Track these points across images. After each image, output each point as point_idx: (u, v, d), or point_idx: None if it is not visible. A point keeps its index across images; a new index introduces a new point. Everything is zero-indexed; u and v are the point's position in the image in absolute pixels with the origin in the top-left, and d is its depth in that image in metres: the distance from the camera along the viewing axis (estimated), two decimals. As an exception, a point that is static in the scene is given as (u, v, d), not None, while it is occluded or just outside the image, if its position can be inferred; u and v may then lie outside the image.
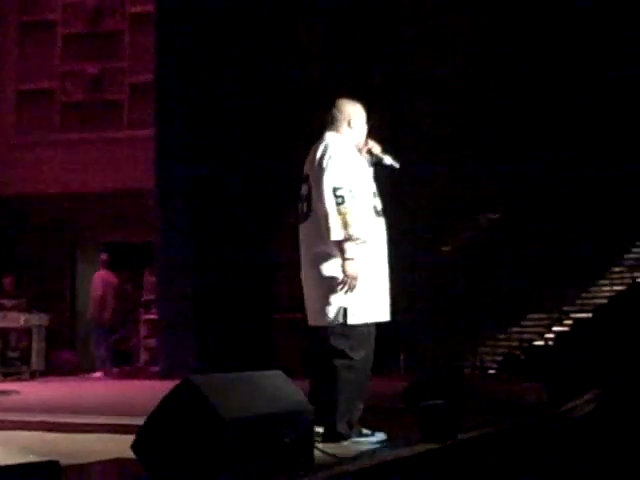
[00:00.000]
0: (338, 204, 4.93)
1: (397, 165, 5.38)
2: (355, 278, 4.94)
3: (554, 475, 6.43)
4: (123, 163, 14.53)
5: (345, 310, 5.02)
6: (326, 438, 4.89)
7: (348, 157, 5.12)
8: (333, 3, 14.23)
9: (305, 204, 5.17)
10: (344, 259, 4.93)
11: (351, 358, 5.04)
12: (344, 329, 5.04)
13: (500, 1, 17.02)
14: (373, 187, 5.30)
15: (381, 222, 5.25)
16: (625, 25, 17.31)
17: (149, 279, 13.46)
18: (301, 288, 5.29)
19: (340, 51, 14.07)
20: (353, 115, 5.29)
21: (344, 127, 5.26)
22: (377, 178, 5.39)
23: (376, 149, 5.37)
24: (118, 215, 14.53)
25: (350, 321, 5.03)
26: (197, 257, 12.23)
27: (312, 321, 5.22)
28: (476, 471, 5.27)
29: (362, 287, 5.01)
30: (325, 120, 5.34)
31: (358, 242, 4.97)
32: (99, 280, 13.82)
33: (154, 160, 12.56)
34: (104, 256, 13.93)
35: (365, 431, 5.17)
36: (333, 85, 13.72)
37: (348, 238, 4.92)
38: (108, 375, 12.95)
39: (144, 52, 14.14)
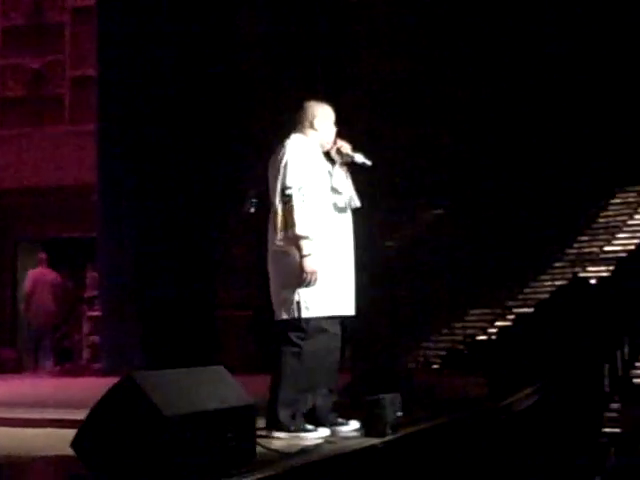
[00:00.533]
0: (285, 203, 5.06)
1: (369, 163, 5.44)
2: (314, 273, 5.04)
3: (495, 468, 6.50)
4: (65, 158, 14.38)
5: (299, 304, 5.10)
6: (268, 425, 4.99)
7: (305, 157, 5.21)
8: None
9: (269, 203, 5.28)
10: (301, 255, 5.04)
11: (299, 346, 5.12)
12: (300, 323, 5.13)
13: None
14: (339, 184, 5.33)
15: (343, 218, 5.33)
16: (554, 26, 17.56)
17: (92, 275, 13.34)
18: (243, 285, 5.38)
19: (282, 47, 14.04)
20: (318, 115, 5.39)
21: (307, 128, 5.37)
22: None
23: (345, 148, 5.44)
24: (60, 211, 14.38)
25: (304, 315, 5.11)
26: (139, 253, 12.14)
27: (275, 316, 5.29)
28: (418, 465, 5.30)
29: (318, 281, 5.09)
30: (292, 122, 5.45)
31: (309, 239, 5.05)
32: (30, 278, 13.74)
33: (96, 155, 12.44)
34: (42, 255, 13.82)
35: (339, 419, 5.25)
36: (276, 81, 13.72)
37: (292, 236, 5.02)
38: (45, 373, 12.81)
39: (86, 46, 13.99)
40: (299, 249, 5.04)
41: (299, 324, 5.14)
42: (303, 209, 5.05)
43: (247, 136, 13.09)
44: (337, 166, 5.43)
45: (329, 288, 5.16)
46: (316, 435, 5.01)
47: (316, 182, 5.20)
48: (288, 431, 4.99)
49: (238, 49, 13.82)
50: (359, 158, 5.43)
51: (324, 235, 5.16)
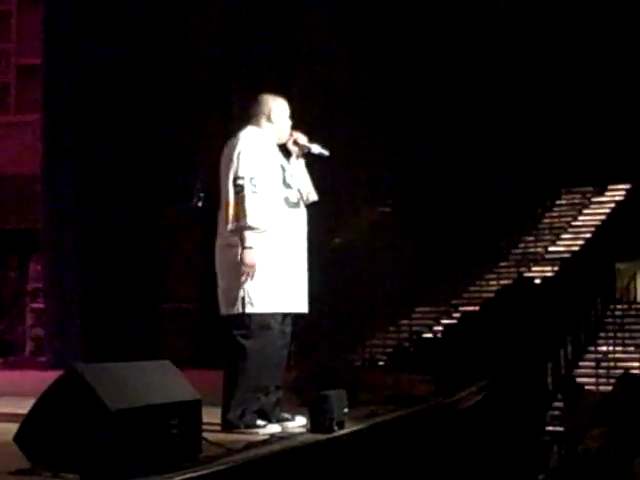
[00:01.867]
0: (236, 193, 5.00)
1: (326, 153, 5.42)
2: (252, 267, 4.97)
3: (440, 465, 6.52)
4: (9, 147, 14.15)
5: (243, 299, 5.04)
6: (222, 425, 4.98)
7: (258, 149, 5.15)
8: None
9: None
10: (243, 247, 4.97)
11: (243, 347, 5.05)
12: (244, 319, 5.06)
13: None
14: (292, 179, 5.30)
15: (296, 213, 5.27)
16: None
17: (35, 267, 13.17)
18: (188, 279, 5.32)
19: (232, 44, 13.98)
20: (274, 109, 5.34)
21: (263, 121, 5.31)
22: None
23: (302, 139, 5.41)
24: (4, 200, 14.16)
25: (247, 310, 5.04)
26: (83, 245, 12.00)
27: (220, 311, 5.23)
28: (364, 462, 5.29)
29: (264, 276, 5.03)
30: (246, 114, 5.39)
31: (258, 231, 5.00)
32: None
33: (41, 145, 12.27)
34: None
35: (285, 415, 5.22)
36: (224, 78, 13.66)
37: (243, 227, 4.96)
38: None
39: (32, 34, 13.79)
40: (241, 241, 4.97)
41: (243, 320, 5.06)
42: (254, 200, 4.99)
43: (194, 130, 13.02)
44: (294, 158, 5.41)
45: (276, 284, 5.10)
46: (266, 431, 4.98)
47: (268, 175, 5.14)
48: (237, 428, 4.96)
49: (187, 46, 13.73)
50: (316, 149, 5.41)
51: (275, 229, 5.11)
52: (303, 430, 5.09)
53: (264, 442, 4.57)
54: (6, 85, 14.89)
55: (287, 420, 5.21)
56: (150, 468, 3.65)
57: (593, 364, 14.02)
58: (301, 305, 5.27)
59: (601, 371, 13.74)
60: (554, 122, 18.39)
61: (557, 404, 11.66)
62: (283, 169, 5.29)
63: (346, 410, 5.17)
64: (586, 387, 11.21)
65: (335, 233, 15.30)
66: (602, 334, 14.86)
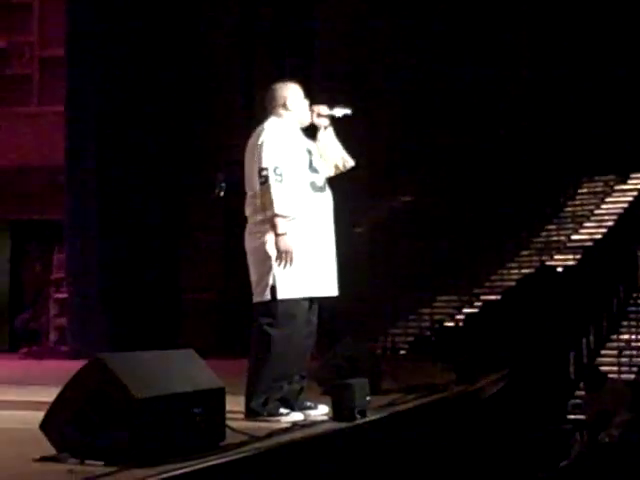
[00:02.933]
0: (262, 184, 5.03)
1: (349, 111, 5.42)
2: (289, 252, 5.00)
3: (462, 453, 6.54)
4: (32, 139, 14.23)
5: (272, 286, 5.08)
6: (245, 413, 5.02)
7: (280, 138, 5.16)
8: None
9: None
10: (276, 235, 5.01)
11: (269, 335, 5.08)
12: (270, 305, 5.11)
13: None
14: (320, 162, 5.34)
15: (322, 197, 5.28)
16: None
17: (59, 257, 13.24)
18: (208, 269, 5.37)
19: (250, 32, 14.00)
20: (288, 96, 5.36)
21: (281, 110, 5.33)
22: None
23: (323, 110, 5.41)
24: (28, 192, 14.24)
25: (274, 297, 5.09)
26: (106, 236, 12.08)
27: (253, 299, 5.27)
28: (386, 450, 5.32)
29: (293, 263, 5.05)
30: (265, 107, 5.42)
31: (288, 219, 5.02)
32: None
33: (64, 137, 12.34)
34: None
35: (308, 403, 5.25)
36: (243, 67, 13.69)
37: (273, 216, 4.99)
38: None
39: (54, 26, 13.85)
40: (274, 228, 5.00)
41: (269, 309, 5.10)
42: (280, 188, 5.01)
43: (216, 122, 13.06)
44: (322, 131, 5.41)
45: (302, 270, 5.10)
46: (289, 419, 5.01)
47: (294, 162, 5.15)
48: (260, 416, 5.00)
49: (207, 38, 13.77)
50: (339, 112, 5.41)
51: (302, 215, 5.13)
52: (325, 418, 5.12)
53: (286, 430, 4.60)
54: (29, 77, 14.95)
55: (310, 408, 5.23)
56: (174, 455, 3.69)
57: (615, 352, 13.97)
58: (329, 289, 5.27)
59: (623, 359, 13.70)
60: (576, 110, 18.30)
61: (579, 393, 11.64)
62: (310, 153, 5.30)
63: (368, 399, 5.19)
64: (608, 375, 11.19)
65: (356, 222, 15.32)
66: (624, 323, 14.79)
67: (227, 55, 13.79)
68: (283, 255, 5.00)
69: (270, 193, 4.99)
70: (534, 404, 9.31)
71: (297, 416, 5.07)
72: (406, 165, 17.09)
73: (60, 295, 12.98)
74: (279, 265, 5.02)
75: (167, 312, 12.25)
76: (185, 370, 4.09)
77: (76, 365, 3.90)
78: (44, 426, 3.80)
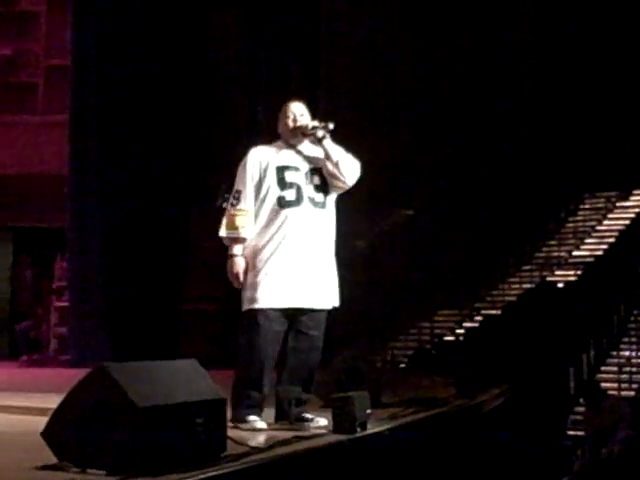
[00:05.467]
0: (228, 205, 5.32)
1: (331, 125, 5.44)
2: (234, 274, 5.25)
3: (462, 467, 6.54)
4: (36, 147, 14.26)
5: (245, 298, 5.30)
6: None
7: (254, 162, 5.34)
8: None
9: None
10: (228, 256, 5.32)
11: (238, 346, 5.32)
12: (241, 316, 5.33)
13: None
14: (296, 175, 5.36)
15: (296, 211, 5.29)
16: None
17: (61, 266, 13.25)
18: (210, 278, 5.51)
19: (257, 45, 14.04)
20: (279, 118, 5.50)
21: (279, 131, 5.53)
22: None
23: (305, 129, 5.44)
24: (30, 199, 14.27)
25: (243, 307, 5.32)
26: (108, 245, 12.09)
27: None
28: (386, 463, 5.32)
29: (252, 276, 5.24)
30: None
31: (239, 241, 5.26)
32: None
33: (68, 146, 12.37)
34: None
35: (307, 415, 5.30)
36: (250, 79, 13.72)
37: (220, 237, 5.32)
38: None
39: (60, 35, 13.89)
40: (228, 249, 5.31)
41: (241, 319, 5.32)
42: (231, 212, 5.28)
43: (220, 131, 13.09)
44: (315, 146, 5.47)
45: (267, 281, 5.22)
46: (250, 426, 5.09)
47: (262, 182, 5.30)
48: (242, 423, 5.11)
49: (212, 44, 13.81)
50: (320, 132, 5.41)
51: (266, 230, 5.26)
52: (325, 431, 5.13)
53: (288, 442, 4.61)
54: (34, 85, 14.99)
55: (308, 420, 5.26)
56: (175, 465, 3.70)
57: (615, 369, 13.98)
58: (303, 300, 5.28)
59: (623, 376, 13.69)
60: (578, 126, 18.34)
61: (579, 408, 11.64)
62: (282, 169, 5.35)
63: (369, 411, 5.20)
64: (608, 392, 11.19)
65: (357, 236, 15.33)
66: (625, 339, 14.80)
67: (232, 67, 13.83)
68: (230, 276, 5.26)
69: (224, 215, 5.30)
70: (534, 419, 9.31)
71: (259, 424, 5.14)
72: (407, 179, 17.11)
73: (61, 304, 12.99)
74: (235, 285, 5.29)
75: (169, 322, 12.26)
76: (187, 380, 4.10)
77: (76, 373, 3.92)
78: (46, 434, 3.81)
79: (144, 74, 12.22)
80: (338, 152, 5.43)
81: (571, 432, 11.11)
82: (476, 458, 6.95)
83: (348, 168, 5.45)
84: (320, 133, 5.39)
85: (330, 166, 5.40)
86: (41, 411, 4.44)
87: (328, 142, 5.41)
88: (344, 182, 5.46)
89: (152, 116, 12.22)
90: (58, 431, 3.77)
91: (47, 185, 13.66)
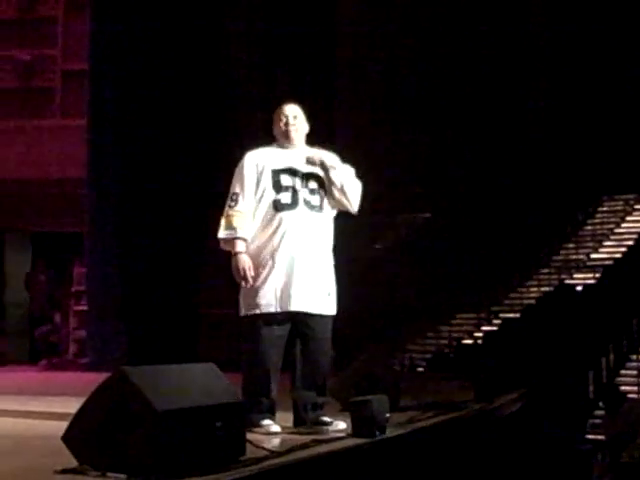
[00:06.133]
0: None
1: (335, 163, 5.42)
2: (239, 271, 5.18)
3: (480, 472, 6.52)
4: (54, 151, 14.33)
5: (240, 304, 5.34)
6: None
7: (250, 165, 5.35)
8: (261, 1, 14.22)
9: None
10: (232, 255, 5.27)
11: (242, 352, 5.34)
12: (240, 321, 5.34)
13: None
14: (292, 179, 5.34)
15: (292, 214, 5.28)
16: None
17: (79, 270, 13.31)
18: (227, 283, 5.47)
19: (271, 47, 14.05)
20: (273, 121, 5.51)
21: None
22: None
23: (310, 159, 5.41)
24: (49, 204, 14.33)
25: (240, 313, 5.32)
26: (126, 249, 12.15)
27: None
28: (405, 467, 5.31)
29: (244, 281, 5.22)
30: None
31: (239, 240, 5.23)
32: None
33: (86, 149, 12.43)
34: None
35: (325, 419, 5.27)
36: (264, 81, 13.74)
37: (219, 239, 5.31)
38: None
39: (78, 39, 13.96)
40: (232, 249, 5.26)
41: (241, 324, 5.32)
42: (228, 213, 5.28)
43: (235, 135, 13.10)
44: (304, 146, 5.49)
45: (265, 286, 5.21)
46: (265, 430, 5.06)
47: (258, 185, 5.30)
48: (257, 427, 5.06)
49: (227, 47, 13.84)
50: (327, 172, 5.39)
51: (262, 233, 5.26)
52: (344, 435, 5.12)
53: (306, 446, 4.61)
54: (52, 90, 15.06)
55: (326, 424, 5.24)
56: (195, 469, 3.70)
57: (635, 372, 13.87)
58: (302, 304, 5.24)
59: (643, 379, 13.60)
60: (596, 128, 18.27)
61: (598, 412, 11.57)
62: (277, 172, 5.34)
63: (387, 415, 5.19)
64: (628, 395, 11.11)
65: (375, 239, 15.32)
66: (645, 342, 14.71)
67: (247, 72, 13.86)
68: (235, 274, 5.20)
69: (222, 217, 5.30)
70: (553, 423, 9.26)
71: (274, 428, 5.12)
72: (425, 183, 17.10)
73: (80, 308, 13.04)
74: (242, 284, 5.22)
75: (187, 325, 12.29)
76: (206, 384, 4.10)
77: (95, 377, 3.93)
78: (66, 438, 3.81)
79: (161, 78, 12.28)
80: (342, 178, 5.40)
81: (591, 436, 11.04)
82: (495, 462, 6.92)
83: (353, 194, 5.44)
84: (327, 166, 5.40)
85: (336, 193, 5.39)
86: (61, 415, 4.45)
87: (333, 172, 5.40)
88: (351, 210, 5.48)
89: (169, 121, 12.27)
90: (78, 435, 3.78)
91: (65, 189, 13.72)
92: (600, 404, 11.38)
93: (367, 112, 16.11)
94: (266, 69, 13.97)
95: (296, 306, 5.22)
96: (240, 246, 5.21)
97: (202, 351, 11.76)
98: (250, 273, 5.17)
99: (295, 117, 5.44)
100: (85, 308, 12.68)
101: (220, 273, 5.83)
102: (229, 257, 5.32)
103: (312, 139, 5.58)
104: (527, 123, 18.43)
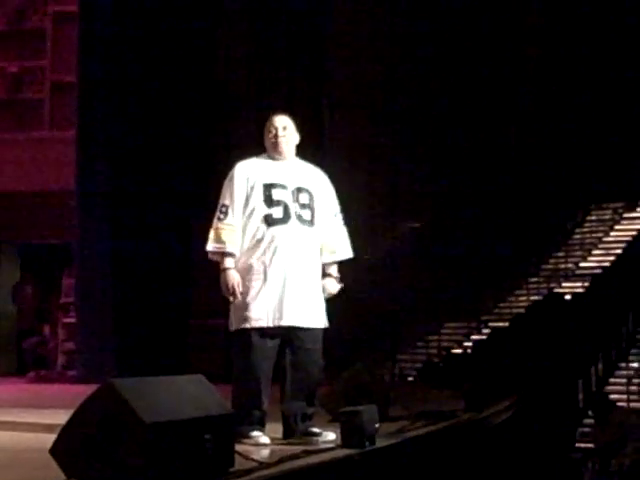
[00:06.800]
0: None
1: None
2: (227, 288, 5.19)
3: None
4: (43, 163, 14.30)
5: (230, 318, 5.32)
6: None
7: (240, 177, 5.32)
8: (256, 9, 14.23)
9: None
10: (220, 271, 5.26)
11: (233, 364, 5.33)
12: (231, 335, 5.34)
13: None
14: (283, 192, 5.33)
15: (283, 229, 5.27)
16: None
17: (68, 282, 13.28)
18: (217, 294, 5.45)
19: (263, 59, 14.08)
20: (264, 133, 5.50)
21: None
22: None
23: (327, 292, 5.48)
24: (36, 216, 14.30)
25: (231, 327, 5.31)
26: (115, 260, 12.12)
27: None
28: (396, 477, 5.31)
29: (245, 294, 5.21)
30: None
31: (228, 255, 5.22)
32: None
33: (75, 160, 12.41)
34: None
35: (314, 430, 5.27)
36: (257, 93, 13.76)
37: (207, 251, 5.30)
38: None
39: (66, 51, 13.96)
40: (220, 264, 5.26)
41: (231, 338, 5.32)
42: (217, 225, 5.26)
43: (226, 146, 13.12)
44: (294, 158, 5.51)
45: (257, 300, 5.20)
46: (254, 441, 5.05)
47: (248, 198, 5.28)
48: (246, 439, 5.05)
49: (219, 58, 13.86)
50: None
51: (258, 248, 5.23)
52: (333, 445, 5.11)
53: (296, 456, 4.60)
54: (41, 101, 15.05)
55: (316, 435, 5.24)
56: (183, 481, 3.69)
57: (624, 381, 13.92)
58: (294, 319, 5.24)
59: (632, 388, 13.63)
60: (584, 136, 18.33)
61: (588, 421, 11.59)
62: (268, 186, 5.33)
63: (377, 425, 5.18)
64: (617, 404, 11.15)
65: (363, 249, 15.31)
66: (633, 350, 14.75)
67: (239, 84, 13.88)
68: (224, 290, 5.20)
69: (210, 229, 5.27)
70: (543, 432, 9.28)
71: (263, 439, 5.12)
72: (411, 191, 17.12)
73: (68, 320, 13.01)
74: (230, 300, 5.22)
75: (176, 337, 12.26)
76: (195, 395, 4.09)
77: (84, 389, 3.91)
78: (54, 451, 3.80)
79: (150, 90, 12.27)
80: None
81: (580, 444, 11.06)
82: (485, 471, 6.92)
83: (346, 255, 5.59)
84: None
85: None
86: (49, 428, 4.45)
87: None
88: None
89: (158, 132, 12.26)
90: (66, 448, 3.76)
91: (53, 201, 13.70)
92: (589, 412, 11.41)
93: (355, 120, 16.14)
94: (258, 79, 13.99)
95: (288, 321, 5.23)
96: (228, 262, 5.20)
97: (192, 362, 11.74)
98: (239, 289, 5.16)
99: (285, 128, 5.42)
100: (73, 320, 12.64)
101: (210, 284, 5.81)
102: (219, 268, 5.31)
103: (303, 149, 5.59)
104: (515, 130, 18.48)
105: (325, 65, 15.00)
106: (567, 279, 17.05)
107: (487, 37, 18.13)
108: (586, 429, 11.44)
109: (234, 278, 5.17)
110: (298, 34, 14.03)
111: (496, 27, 18.31)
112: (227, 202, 5.28)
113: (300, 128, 5.54)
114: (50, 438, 3.87)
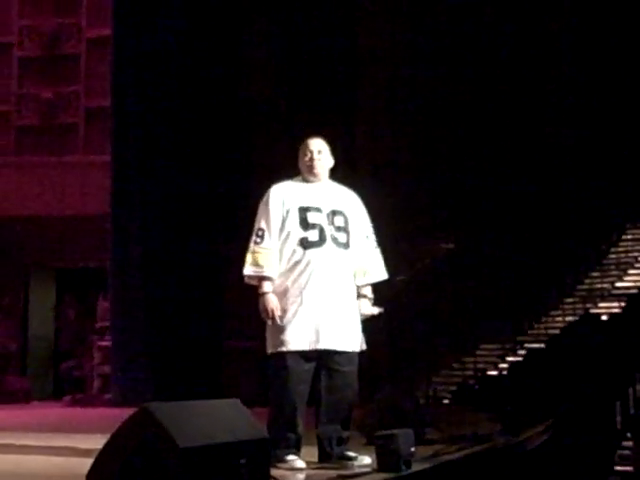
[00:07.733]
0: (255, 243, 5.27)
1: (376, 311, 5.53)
2: (265, 312, 5.19)
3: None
4: (77, 187, 14.44)
5: (267, 341, 5.30)
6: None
7: (275, 200, 5.32)
8: (284, 27, 14.28)
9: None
10: (259, 295, 5.24)
11: (269, 387, 5.28)
12: (268, 359, 5.29)
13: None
14: (317, 216, 5.34)
15: (319, 252, 5.27)
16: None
17: (103, 305, 13.35)
18: (252, 317, 5.44)
19: (287, 72, 14.11)
20: (299, 155, 5.48)
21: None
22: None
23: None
24: (72, 239, 14.41)
25: (268, 351, 5.28)
26: (150, 283, 12.17)
27: None
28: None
29: (282, 317, 5.20)
30: None
31: (267, 280, 5.21)
32: None
33: (109, 185, 12.50)
34: None
35: (349, 454, 5.23)
36: (280, 106, 13.79)
37: (244, 275, 5.27)
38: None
39: (100, 76, 14.11)
40: (258, 288, 5.24)
41: (268, 362, 5.28)
42: (254, 249, 5.25)
43: (257, 169, 13.15)
44: (328, 181, 5.52)
45: (294, 324, 5.19)
46: (289, 465, 5.03)
47: (284, 222, 5.28)
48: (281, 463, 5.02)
49: (247, 81, 13.91)
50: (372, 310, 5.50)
51: (294, 271, 5.24)
52: (369, 469, 5.08)
53: (331, 481, 4.58)
54: (75, 126, 15.20)
55: (351, 459, 5.20)
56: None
57: (663, 402, 13.75)
58: (331, 342, 5.23)
59: (671, 409, 13.46)
60: (619, 155, 18.21)
61: (626, 443, 11.45)
62: (304, 210, 5.33)
63: (413, 449, 5.14)
64: (656, 426, 10.99)
65: (399, 271, 15.26)
66: (671, 371, 14.57)
67: (268, 104, 13.92)
68: (263, 314, 5.19)
69: (247, 253, 5.25)
70: (580, 456, 9.17)
71: (299, 463, 5.08)
72: (447, 212, 17.07)
73: (104, 343, 13.06)
74: (269, 323, 5.21)
75: (211, 360, 12.27)
76: (230, 420, 4.09)
77: (119, 413, 3.92)
78: (91, 475, 3.81)
79: (183, 112, 12.35)
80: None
81: (619, 468, 10.92)
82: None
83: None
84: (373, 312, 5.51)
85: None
86: (85, 452, 4.45)
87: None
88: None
89: (191, 156, 12.33)
90: (103, 473, 3.77)
91: (88, 225, 13.80)
92: (628, 435, 11.27)
93: (387, 137, 16.13)
94: (287, 102, 14.03)
95: (325, 344, 5.22)
96: (267, 286, 5.20)
97: (227, 384, 11.72)
98: (277, 313, 5.16)
99: (320, 152, 5.44)
100: (109, 344, 12.70)
101: (244, 306, 5.81)
102: (252, 290, 5.31)
103: (333, 170, 5.59)
104: (551, 150, 18.40)
105: (357, 80, 15.02)
106: (603, 299, 16.90)
107: (518, 53, 18.10)
108: (625, 452, 11.29)
109: (273, 302, 5.18)
110: (327, 47, 14.05)
111: (526, 44, 18.29)
112: (263, 225, 5.28)
113: (332, 149, 5.54)
114: (87, 462, 3.88)
